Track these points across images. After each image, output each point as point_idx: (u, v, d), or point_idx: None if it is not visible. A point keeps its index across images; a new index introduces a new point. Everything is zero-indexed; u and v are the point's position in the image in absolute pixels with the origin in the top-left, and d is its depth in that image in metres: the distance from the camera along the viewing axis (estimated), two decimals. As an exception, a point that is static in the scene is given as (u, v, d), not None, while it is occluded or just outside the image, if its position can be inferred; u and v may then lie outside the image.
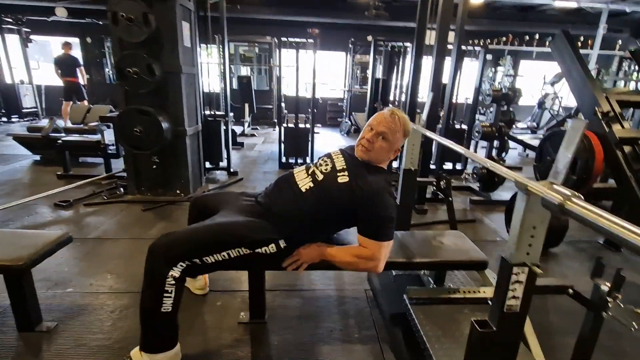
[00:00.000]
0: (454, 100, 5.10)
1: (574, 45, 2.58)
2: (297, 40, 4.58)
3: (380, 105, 5.27)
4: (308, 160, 5.26)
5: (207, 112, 4.60)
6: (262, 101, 8.93)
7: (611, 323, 1.24)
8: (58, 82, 7.60)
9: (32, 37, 8.26)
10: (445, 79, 3.90)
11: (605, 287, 1.24)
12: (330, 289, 2.31)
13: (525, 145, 6.15)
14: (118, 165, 4.33)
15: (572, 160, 1.08)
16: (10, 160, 5.05)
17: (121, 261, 2.53)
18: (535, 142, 5.97)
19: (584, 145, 2.31)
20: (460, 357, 1.26)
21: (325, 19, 8.53)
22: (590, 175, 2.30)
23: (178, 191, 3.79)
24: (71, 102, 7.36)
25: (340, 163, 1.58)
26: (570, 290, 1.27)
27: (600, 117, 2.29)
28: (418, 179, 2.57)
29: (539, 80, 8.98)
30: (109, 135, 4.46)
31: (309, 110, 8.89)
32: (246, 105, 7.94)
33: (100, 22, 8.49)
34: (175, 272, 1.40)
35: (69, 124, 5.74)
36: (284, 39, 4.71)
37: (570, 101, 9.15)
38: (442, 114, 4.20)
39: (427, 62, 3.59)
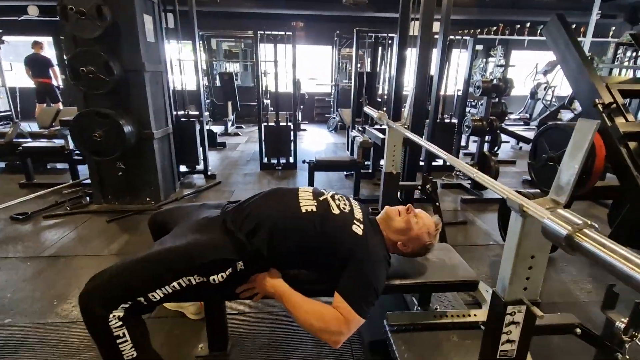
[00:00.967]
0: (443, 93, 4.87)
1: (569, 29, 2.34)
2: (275, 32, 4.28)
3: (366, 101, 5.00)
4: (291, 160, 4.99)
5: (181, 112, 4.30)
6: (248, 98, 8.60)
7: (629, 368, 1.01)
8: (33, 84, 7.24)
9: (3, 37, 7.86)
10: (433, 71, 3.66)
11: (621, 323, 1.00)
12: (305, 309, 2.07)
13: (519, 138, 5.94)
14: (86, 172, 4.04)
15: (579, 172, 0.84)
16: (-28, 168, 4.73)
17: (74, 283, 2.26)
18: (529, 134, 5.76)
19: (584, 141, 2.08)
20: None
21: (310, 11, 8.22)
22: (591, 175, 2.06)
23: (148, 199, 3.51)
24: (44, 105, 7.02)
25: (358, 213, 1.44)
26: (578, 330, 1.03)
27: (600, 109, 2.06)
28: (401, 182, 2.33)
29: (531, 70, 8.75)
30: (75, 140, 4.16)
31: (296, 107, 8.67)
32: (229, 104, 7.64)
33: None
34: (118, 312, 1.14)
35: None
36: (260, 32, 4.41)
37: (564, 90, 8.95)
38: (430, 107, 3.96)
39: (415, 54, 3.34)
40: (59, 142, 4.31)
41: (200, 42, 7.95)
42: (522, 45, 9.33)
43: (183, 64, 4.38)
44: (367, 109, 2.54)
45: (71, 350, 1.72)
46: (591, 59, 6.92)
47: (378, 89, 6.44)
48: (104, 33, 2.86)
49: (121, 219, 3.21)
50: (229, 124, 7.66)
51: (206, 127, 4.71)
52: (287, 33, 4.38)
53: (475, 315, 1.55)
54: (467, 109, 7.43)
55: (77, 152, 4.11)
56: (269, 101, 6.46)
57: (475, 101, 8.21)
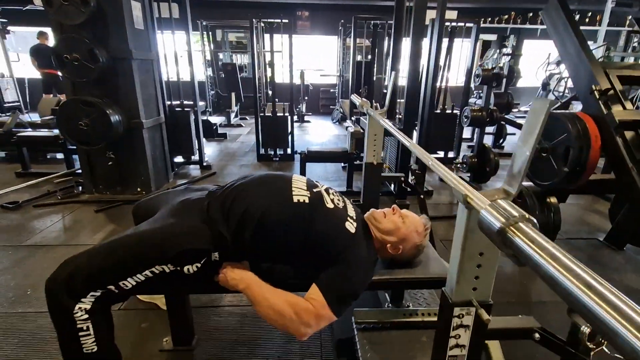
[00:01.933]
0: (444, 84, 4.72)
1: (568, 11, 2.19)
2: (270, 20, 4.17)
3: (365, 91, 4.87)
4: (289, 151, 4.91)
5: (176, 102, 4.26)
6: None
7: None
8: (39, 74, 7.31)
9: (9, 28, 7.94)
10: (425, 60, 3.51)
11: (586, 328, 0.90)
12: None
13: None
14: (81, 161, 4.04)
15: (531, 157, 0.73)
16: (-27, 157, 4.79)
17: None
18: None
19: (578, 131, 1.94)
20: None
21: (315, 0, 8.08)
22: (585, 167, 1.93)
23: (139, 189, 3.49)
24: (51, 95, 7.07)
25: (351, 212, 1.36)
26: (537, 335, 0.93)
27: (597, 96, 1.92)
28: (384, 174, 2.23)
29: (543, 61, 8.44)
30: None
31: (300, 98, 8.55)
32: (233, 95, 7.58)
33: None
34: (85, 304, 1.08)
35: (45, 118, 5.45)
36: (255, 19, 4.31)
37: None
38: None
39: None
40: (56, 131, 4.32)
41: (205, 32, 7.89)
42: (535, 34, 9.01)
43: (179, 54, 4.32)
44: (354, 97, 2.43)
45: (35, 340, 1.69)
46: (607, 47, 6.63)
47: (384, 80, 6.27)
48: (89, 19, 2.82)
49: (109, 208, 3.19)
50: (232, 115, 7.61)
51: (203, 118, 4.66)
52: (284, 20, 4.26)
53: (448, 314, 1.45)
54: (474, 100, 7.22)
55: (72, 141, 4.11)
56: (271, 92, 6.37)
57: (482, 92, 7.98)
